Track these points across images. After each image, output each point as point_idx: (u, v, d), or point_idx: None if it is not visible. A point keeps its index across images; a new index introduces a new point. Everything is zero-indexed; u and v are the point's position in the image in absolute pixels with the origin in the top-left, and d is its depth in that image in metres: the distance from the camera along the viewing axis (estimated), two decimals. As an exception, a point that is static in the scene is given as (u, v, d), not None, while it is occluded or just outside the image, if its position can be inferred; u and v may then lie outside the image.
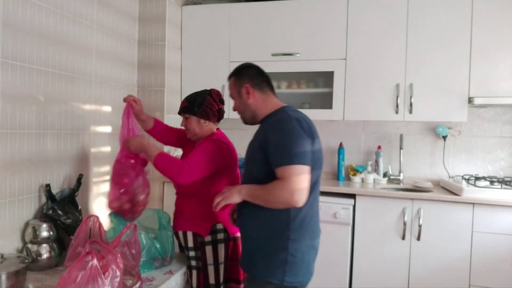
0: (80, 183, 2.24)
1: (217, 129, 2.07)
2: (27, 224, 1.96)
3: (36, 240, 1.92)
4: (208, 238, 1.93)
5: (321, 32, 3.00)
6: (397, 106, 2.86)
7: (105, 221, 1.95)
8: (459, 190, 2.59)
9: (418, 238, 2.61)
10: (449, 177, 3.04)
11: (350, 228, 2.72)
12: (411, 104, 2.84)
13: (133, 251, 1.70)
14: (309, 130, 1.56)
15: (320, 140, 1.63)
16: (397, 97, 2.86)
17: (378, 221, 2.69)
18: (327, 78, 3.05)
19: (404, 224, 2.63)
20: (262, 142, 1.58)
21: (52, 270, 1.91)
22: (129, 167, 1.94)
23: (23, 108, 1.96)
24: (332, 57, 2.99)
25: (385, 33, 2.89)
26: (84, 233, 1.74)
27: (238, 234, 1.97)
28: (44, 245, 1.92)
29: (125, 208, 1.96)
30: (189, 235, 1.95)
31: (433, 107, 2.82)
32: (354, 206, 2.73)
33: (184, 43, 3.27)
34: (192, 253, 1.96)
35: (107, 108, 2.63)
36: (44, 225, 1.95)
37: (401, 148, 3.14)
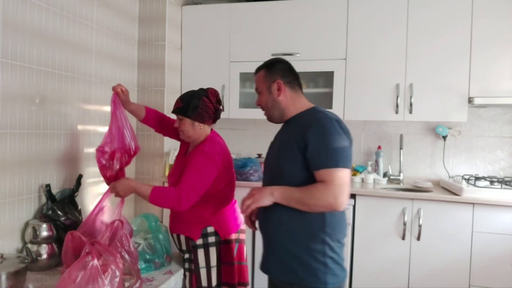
0: (80, 183, 2.24)
1: (211, 130, 2.01)
2: (27, 224, 1.96)
3: (36, 240, 1.92)
4: (199, 241, 1.89)
5: (321, 32, 3.00)
6: (397, 106, 2.86)
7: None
8: (459, 190, 2.59)
9: (418, 238, 2.61)
10: (449, 177, 3.04)
11: (350, 228, 2.72)
12: (411, 104, 2.84)
13: (132, 248, 1.70)
14: (347, 132, 1.53)
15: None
16: (397, 97, 2.86)
17: (378, 221, 2.69)
18: (327, 78, 3.05)
19: (404, 224, 2.63)
20: (299, 142, 1.51)
21: (52, 270, 1.91)
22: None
23: (23, 108, 1.96)
24: (332, 57, 2.99)
25: (385, 33, 2.89)
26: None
27: (231, 237, 1.94)
28: (44, 245, 1.92)
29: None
30: (182, 238, 1.93)
31: (433, 107, 2.82)
32: (354, 206, 2.73)
33: (184, 43, 3.27)
34: (186, 256, 1.94)
35: (107, 108, 2.62)
36: (44, 225, 1.95)
37: (401, 148, 3.14)
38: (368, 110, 2.95)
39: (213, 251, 1.89)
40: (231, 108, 3.17)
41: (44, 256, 1.91)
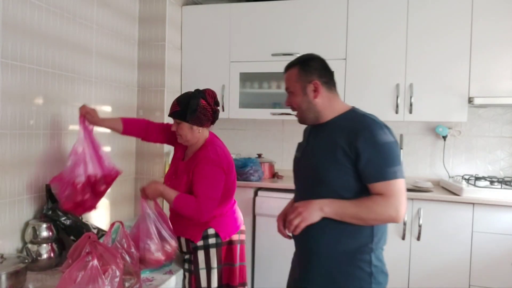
0: (80, 183, 2.24)
1: (209, 132, 2.00)
2: (27, 224, 1.96)
3: (36, 240, 1.92)
4: (200, 243, 1.89)
5: (321, 32, 3.00)
6: (397, 106, 2.86)
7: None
8: (459, 190, 2.59)
9: (418, 238, 2.61)
10: (449, 177, 3.04)
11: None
12: (411, 104, 2.83)
13: (132, 250, 1.70)
14: (395, 136, 1.45)
15: None
16: (397, 97, 2.86)
17: (378, 221, 2.69)
18: (327, 78, 3.05)
19: (404, 224, 2.63)
20: (347, 151, 1.41)
21: (52, 270, 1.91)
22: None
23: (23, 108, 1.96)
24: (332, 57, 2.97)
25: (385, 33, 2.89)
26: None
27: (234, 238, 1.94)
28: (44, 245, 1.92)
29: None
30: (183, 240, 1.93)
31: (433, 107, 2.82)
32: (354, 206, 2.72)
33: (184, 43, 3.27)
34: (186, 256, 1.95)
35: (107, 108, 2.63)
36: (44, 225, 1.94)
37: (401, 148, 3.14)
38: (368, 110, 2.89)
39: (213, 253, 1.89)
40: (231, 108, 3.17)
41: (44, 256, 1.90)
